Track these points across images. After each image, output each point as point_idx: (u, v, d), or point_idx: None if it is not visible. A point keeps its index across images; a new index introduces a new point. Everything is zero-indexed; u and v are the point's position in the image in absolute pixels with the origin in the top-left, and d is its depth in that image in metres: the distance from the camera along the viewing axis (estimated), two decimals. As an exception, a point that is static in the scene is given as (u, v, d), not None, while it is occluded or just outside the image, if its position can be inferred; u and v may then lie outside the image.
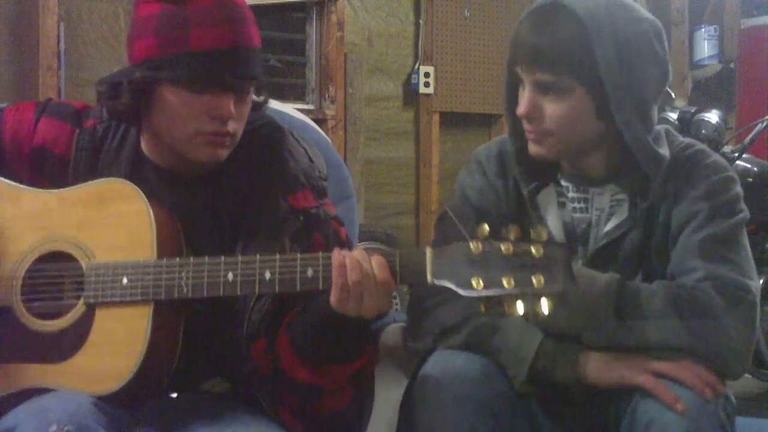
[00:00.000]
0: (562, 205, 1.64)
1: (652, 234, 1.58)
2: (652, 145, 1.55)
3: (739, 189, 1.57)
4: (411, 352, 1.66)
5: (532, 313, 1.27)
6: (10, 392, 1.46)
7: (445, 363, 1.51)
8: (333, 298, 1.37)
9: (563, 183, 1.65)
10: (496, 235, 1.30)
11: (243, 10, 1.51)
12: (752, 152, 3.94)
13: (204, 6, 1.47)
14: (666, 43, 1.58)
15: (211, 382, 1.58)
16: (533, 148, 1.58)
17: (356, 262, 1.36)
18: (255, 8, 1.59)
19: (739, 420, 1.52)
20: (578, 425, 1.60)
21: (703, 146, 1.64)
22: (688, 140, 1.65)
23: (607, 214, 1.61)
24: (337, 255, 1.37)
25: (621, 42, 1.50)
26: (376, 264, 1.37)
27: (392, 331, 1.80)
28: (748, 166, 3.79)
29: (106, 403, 1.40)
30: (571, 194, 1.64)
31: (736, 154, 3.74)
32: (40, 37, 3.62)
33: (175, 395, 1.56)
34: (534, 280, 1.27)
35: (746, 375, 3.69)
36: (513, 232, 1.30)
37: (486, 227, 1.31)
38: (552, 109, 1.53)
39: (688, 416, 1.39)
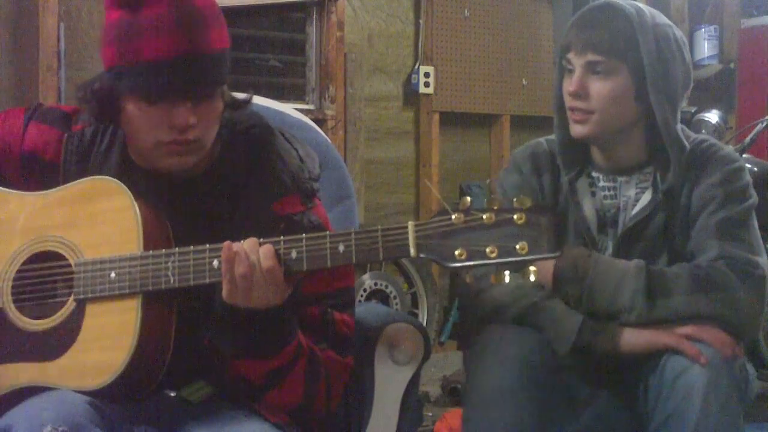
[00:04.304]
0: (593, 194, 1.86)
1: (674, 216, 1.80)
2: (679, 131, 1.78)
3: (748, 177, 1.82)
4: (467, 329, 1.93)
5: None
6: (5, 392, 1.47)
7: (498, 332, 1.72)
8: (223, 291, 1.40)
9: (594, 174, 1.88)
10: (479, 207, 1.33)
11: (201, 13, 1.46)
12: (752, 152, 3.94)
13: (156, 14, 1.44)
14: (690, 59, 1.84)
15: (194, 386, 1.56)
16: (576, 129, 1.81)
17: (244, 255, 1.38)
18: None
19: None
20: (611, 390, 1.80)
21: (715, 140, 1.88)
22: (701, 136, 1.88)
23: (634, 200, 1.84)
24: (225, 249, 1.39)
25: (659, 38, 1.77)
26: (262, 253, 1.38)
27: (392, 331, 1.80)
28: (748, 166, 3.78)
29: (102, 399, 1.40)
30: (601, 183, 1.87)
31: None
32: (40, 37, 3.61)
33: (173, 394, 1.56)
34: (518, 248, 1.29)
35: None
36: (495, 203, 1.33)
37: (468, 199, 1.34)
38: (598, 87, 1.77)
39: (709, 368, 1.60)
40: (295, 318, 1.50)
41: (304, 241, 1.40)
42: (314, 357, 1.52)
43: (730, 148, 1.88)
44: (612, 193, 1.86)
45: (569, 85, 1.79)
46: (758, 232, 1.77)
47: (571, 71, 1.80)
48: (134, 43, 1.44)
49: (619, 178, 1.85)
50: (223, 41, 1.50)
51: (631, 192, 1.84)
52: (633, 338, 1.68)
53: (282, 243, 1.41)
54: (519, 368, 1.64)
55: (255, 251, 1.39)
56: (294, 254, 1.40)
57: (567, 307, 1.72)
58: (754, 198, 1.79)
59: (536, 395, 1.63)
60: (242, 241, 1.40)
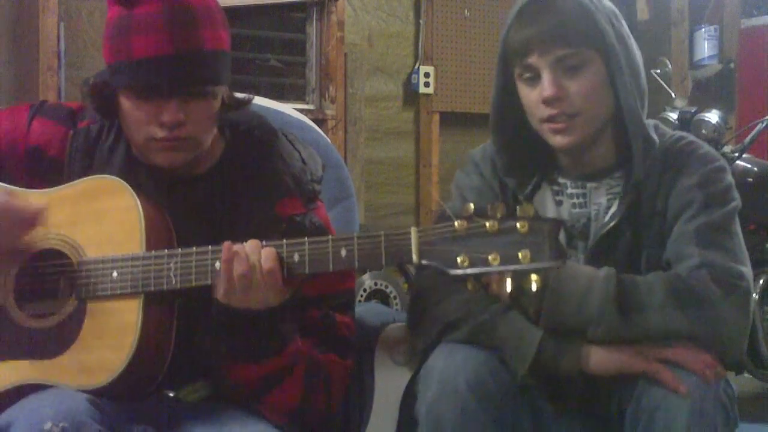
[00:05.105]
0: (558, 203, 1.68)
1: (649, 224, 1.62)
2: (644, 121, 1.61)
3: (730, 178, 1.62)
4: (413, 349, 1.68)
5: (521, 289, 1.28)
6: (5, 389, 1.47)
7: (448, 356, 1.53)
8: (220, 291, 1.41)
9: (560, 180, 1.68)
10: (482, 214, 1.31)
11: (194, 13, 1.47)
12: (752, 152, 3.94)
13: (148, 12, 1.45)
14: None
15: (193, 386, 1.56)
16: (559, 140, 1.59)
17: (244, 255, 1.39)
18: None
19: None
20: (581, 415, 1.63)
21: (694, 137, 1.69)
22: (679, 132, 1.69)
23: (605, 207, 1.65)
24: (225, 249, 1.40)
25: (611, 17, 1.59)
26: (264, 255, 1.39)
27: (392, 331, 1.80)
28: (748, 166, 3.79)
29: (102, 398, 1.40)
30: (569, 191, 1.67)
31: (736, 154, 3.74)
32: (40, 37, 3.62)
33: (172, 394, 1.56)
34: (520, 256, 1.27)
35: (746, 375, 3.70)
36: (499, 210, 1.30)
37: (471, 206, 1.31)
38: (577, 86, 1.56)
39: (691, 398, 1.43)
40: (294, 321, 1.50)
41: (306, 244, 1.40)
42: (314, 360, 1.52)
43: (709, 147, 1.68)
44: (582, 201, 1.66)
45: (543, 90, 1.56)
46: (742, 239, 1.60)
47: (531, 78, 1.58)
48: (126, 40, 1.46)
49: (589, 185, 1.66)
50: (218, 42, 1.50)
51: (602, 199, 1.65)
52: (602, 360, 1.50)
53: (284, 246, 1.41)
54: (471, 401, 1.47)
55: (256, 252, 1.39)
56: (296, 257, 1.40)
57: (527, 321, 1.53)
58: (736, 201, 1.61)
59: (496, 420, 1.49)
60: (244, 243, 1.41)
